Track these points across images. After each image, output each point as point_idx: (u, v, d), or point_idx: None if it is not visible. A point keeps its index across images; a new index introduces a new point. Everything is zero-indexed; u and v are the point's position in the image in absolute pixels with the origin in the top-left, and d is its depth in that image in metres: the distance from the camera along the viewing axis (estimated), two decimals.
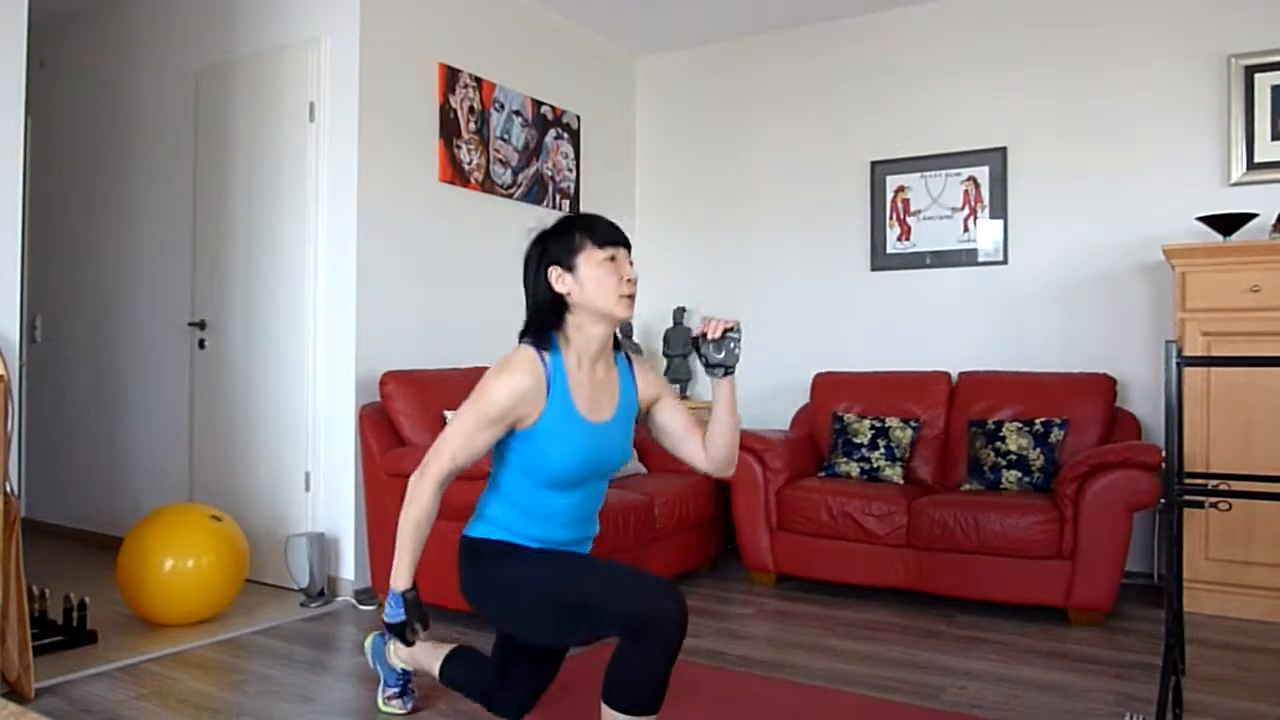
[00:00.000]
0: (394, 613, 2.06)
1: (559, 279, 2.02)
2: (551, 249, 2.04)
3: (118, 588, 3.43)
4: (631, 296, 2.04)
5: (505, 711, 2.30)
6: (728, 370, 2.05)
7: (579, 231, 2.04)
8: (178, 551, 3.35)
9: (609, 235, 2.05)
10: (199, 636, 3.31)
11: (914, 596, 3.89)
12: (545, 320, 2.05)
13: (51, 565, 4.24)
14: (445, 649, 2.44)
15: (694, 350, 2.06)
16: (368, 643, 2.66)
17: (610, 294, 2.01)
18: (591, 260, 2.01)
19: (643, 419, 2.25)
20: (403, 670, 2.57)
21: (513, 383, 1.96)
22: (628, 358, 2.21)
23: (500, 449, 2.08)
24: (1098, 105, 4.35)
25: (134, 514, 4.38)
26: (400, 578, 2.05)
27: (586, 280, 2.01)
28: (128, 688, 2.80)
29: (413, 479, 2.02)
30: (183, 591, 3.36)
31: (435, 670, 2.42)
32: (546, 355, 2.02)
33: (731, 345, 2.02)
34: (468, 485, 3.32)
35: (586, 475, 2.07)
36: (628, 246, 2.08)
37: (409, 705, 2.58)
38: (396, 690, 2.57)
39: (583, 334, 2.06)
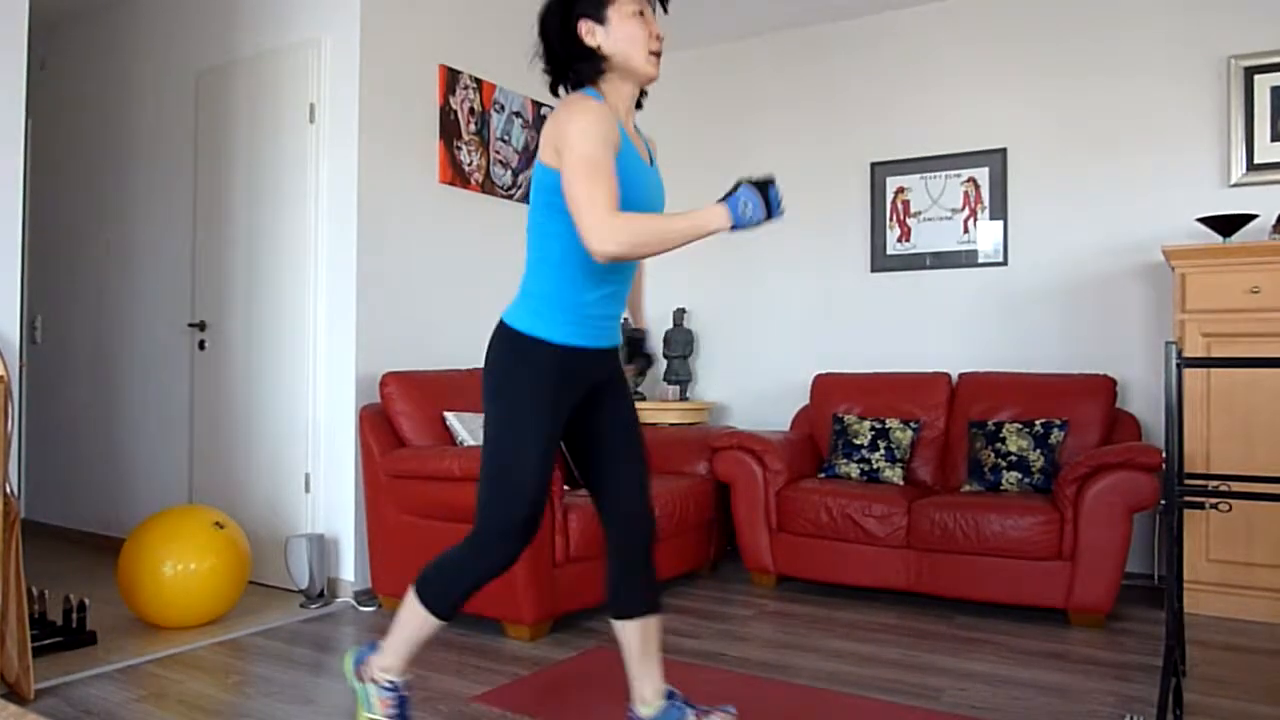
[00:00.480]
0: (748, 199, 1.80)
1: (589, 32, 1.97)
2: (579, 4, 1.98)
3: (118, 590, 3.42)
4: (659, 54, 2.01)
5: (513, 541, 2.05)
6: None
7: None
8: (179, 555, 3.34)
9: None
10: (199, 638, 3.31)
11: (914, 598, 3.89)
12: (578, 74, 2.00)
13: (51, 566, 4.24)
14: (406, 601, 2.15)
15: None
16: (347, 662, 2.28)
17: (641, 49, 1.97)
18: (621, 12, 1.97)
19: None
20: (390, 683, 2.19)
21: (599, 107, 1.88)
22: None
23: (556, 199, 1.94)
24: (1098, 106, 4.36)
25: (134, 515, 4.39)
26: (708, 212, 1.82)
27: (618, 33, 1.96)
28: (127, 689, 2.79)
29: (609, 245, 1.78)
30: (184, 596, 3.35)
31: (420, 608, 2.08)
32: (592, 95, 1.97)
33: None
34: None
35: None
36: (653, 5, 2.04)
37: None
38: (395, 709, 2.20)
39: (612, 89, 2.02)
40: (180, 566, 3.33)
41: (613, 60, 1.98)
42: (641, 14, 1.99)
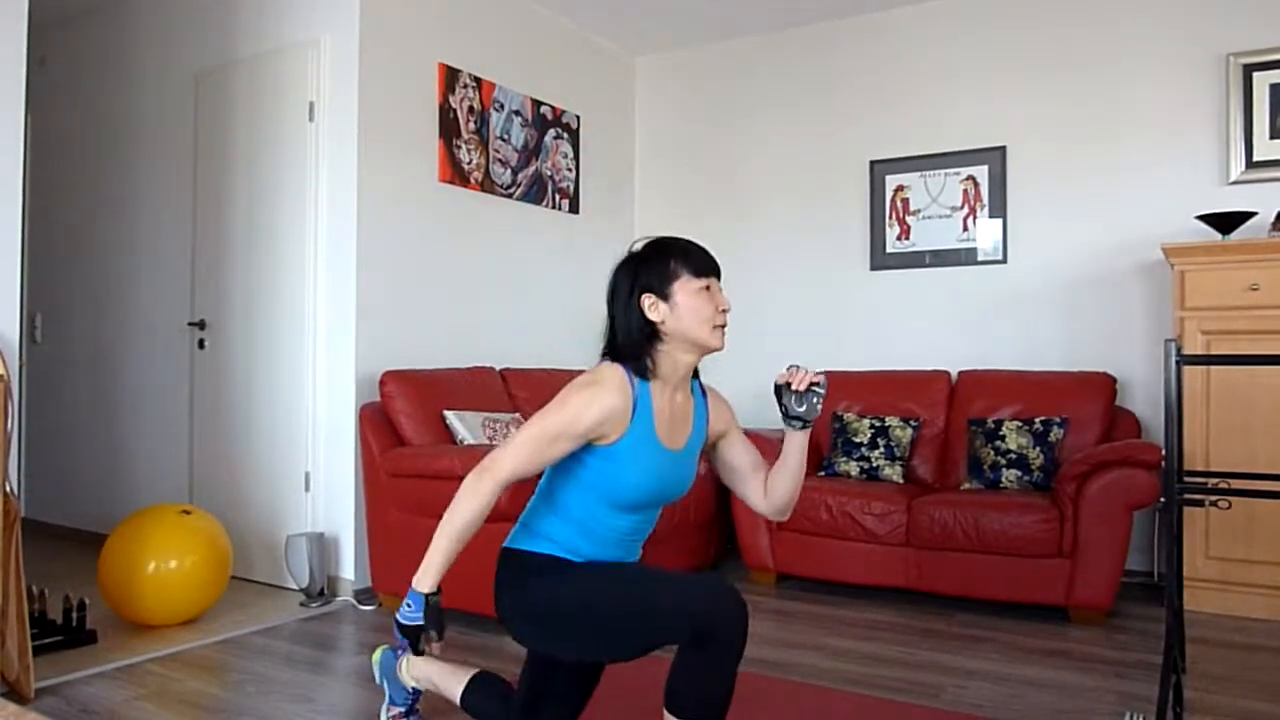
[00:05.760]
0: (412, 615, 1.91)
1: (653, 307, 1.97)
2: (645, 276, 1.99)
3: (100, 594, 3.41)
4: (724, 327, 2.02)
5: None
6: (806, 424, 2.04)
7: (674, 259, 2.00)
8: (157, 554, 3.32)
9: (705, 265, 2.02)
10: (199, 636, 3.31)
11: (914, 596, 3.89)
12: (636, 346, 1.99)
13: (51, 565, 4.23)
14: (466, 673, 2.32)
15: (776, 398, 2.04)
16: (377, 656, 2.53)
17: (706, 324, 1.98)
18: (687, 289, 1.97)
19: (707, 450, 2.22)
20: (413, 689, 2.43)
21: (604, 400, 1.91)
22: (702, 388, 2.18)
23: (569, 463, 2.00)
24: (1097, 104, 4.36)
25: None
26: (427, 578, 1.92)
27: (682, 309, 1.96)
28: (127, 688, 2.80)
29: (470, 479, 1.91)
30: (166, 594, 3.34)
31: (456, 696, 2.29)
32: (635, 379, 1.98)
33: (814, 400, 2.01)
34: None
35: (653, 500, 2.04)
36: (720, 275, 2.06)
37: None
38: (403, 710, 2.44)
39: (670, 360, 2.01)
40: (160, 564, 3.31)
41: (674, 335, 1.98)
42: (708, 288, 2.00)
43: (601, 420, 1.90)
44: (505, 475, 1.91)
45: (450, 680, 2.33)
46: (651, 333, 1.98)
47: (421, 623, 1.91)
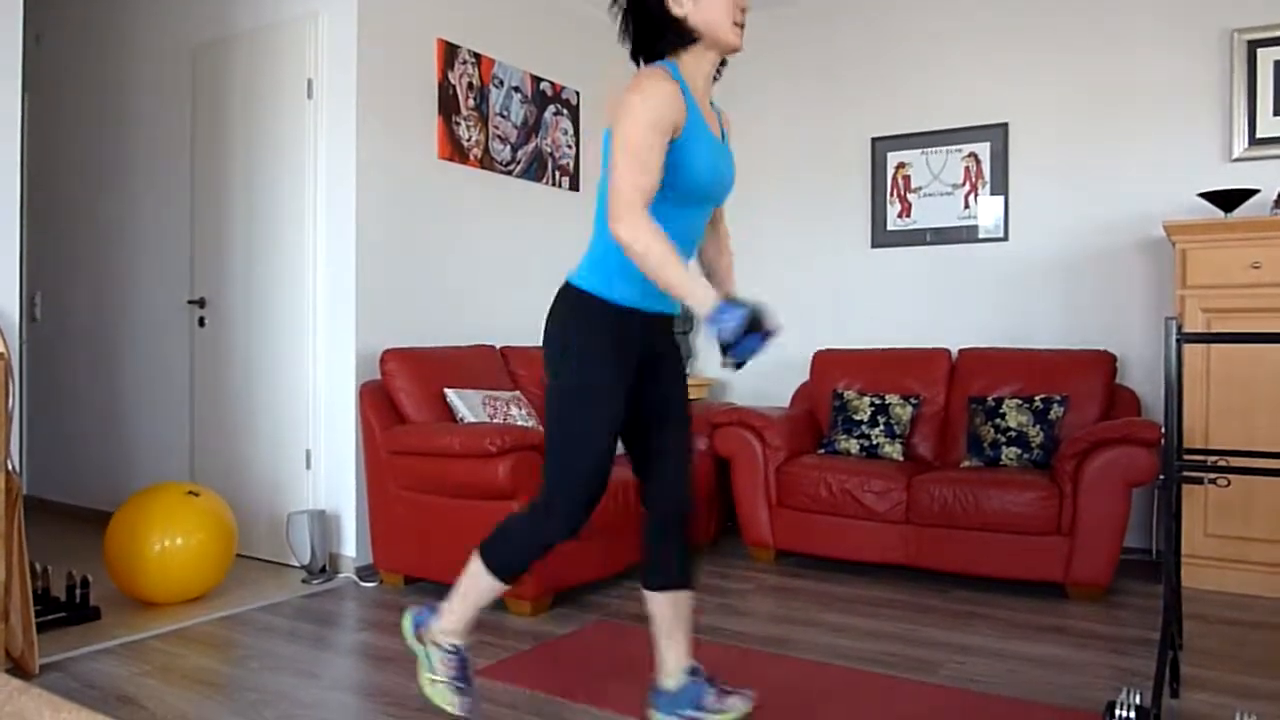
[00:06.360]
0: (731, 319, 1.76)
1: (677, 2, 1.99)
2: None
3: (106, 571, 3.42)
4: (743, 26, 2.03)
5: (580, 513, 2.11)
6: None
7: None
8: (164, 532, 3.32)
9: None
10: (202, 613, 3.33)
11: (913, 572, 3.91)
12: (662, 42, 2.02)
13: (54, 542, 4.26)
14: (471, 559, 2.19)
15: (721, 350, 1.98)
16: (405, 624, 2.32)
17: (726, 19, 2.00)
18: None
19: None
20: (453, 646, 2.21)
21: (663, 87, 1.90)
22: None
23: None
24: (1099, 81, 4.33)
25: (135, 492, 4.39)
26: (705, 292, 1.82)
27: (705, 2, 1.98)
28: (131, 664, 2.81)
29: (625, 228, 1.83)
30: (168, 571, 3.34)
31: (483, 572, 2.14)
32: (671, 69, 1.99)
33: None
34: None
35: (710, 191, 2.06)
36: None
37: (464, 704, 2.19)
38: (455, 670, 2.21)
39: (694, 59, 2.04)
40: (168, 543, 3.31)
41: (697, 30, 2.00)
42: None
43: (672, 105, 1.90)
44: (645, 193, 1.86)
45: (469, 582, 2.19)
46: (676, 27, 2.00)
47: (749, 314, 1.77)
